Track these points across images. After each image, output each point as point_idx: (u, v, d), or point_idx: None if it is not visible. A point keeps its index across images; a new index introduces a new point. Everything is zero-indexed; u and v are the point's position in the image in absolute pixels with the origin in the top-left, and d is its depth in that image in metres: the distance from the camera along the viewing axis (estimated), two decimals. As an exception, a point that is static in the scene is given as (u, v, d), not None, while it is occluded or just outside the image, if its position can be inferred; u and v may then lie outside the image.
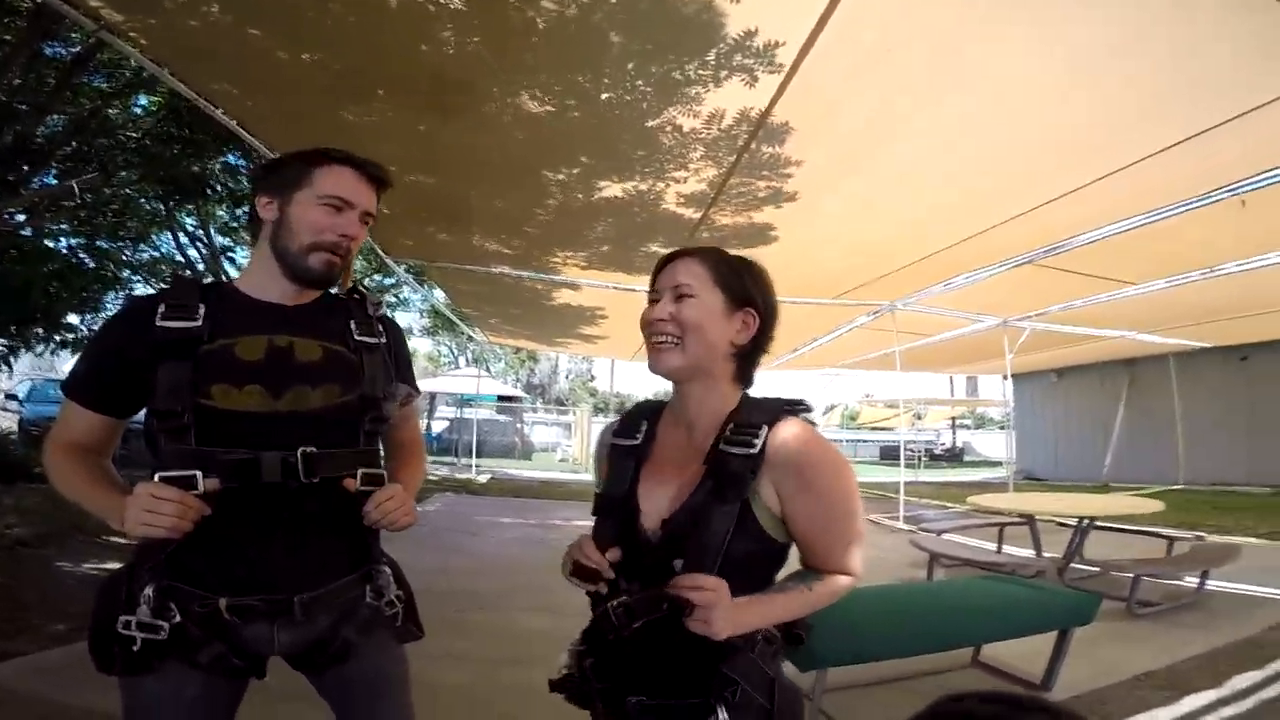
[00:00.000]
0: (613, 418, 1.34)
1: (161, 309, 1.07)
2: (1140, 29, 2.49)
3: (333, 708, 1.23)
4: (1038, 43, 2.61)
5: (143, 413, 1.12)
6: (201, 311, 1.08)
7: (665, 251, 1.05)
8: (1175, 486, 10.59)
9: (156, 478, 1.01)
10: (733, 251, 1.03)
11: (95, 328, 8.31)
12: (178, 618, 1.03)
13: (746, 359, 1.02)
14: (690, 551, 0.90)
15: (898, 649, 2.48)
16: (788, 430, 0.93)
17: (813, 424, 0.98)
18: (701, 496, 0.92)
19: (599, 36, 2.61)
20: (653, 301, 1.00)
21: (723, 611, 0.84)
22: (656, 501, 0.97)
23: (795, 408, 0.98)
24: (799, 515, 0.93)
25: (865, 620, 2.49)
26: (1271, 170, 3.45)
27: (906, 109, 3.13)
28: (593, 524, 1.03)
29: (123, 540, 4.46)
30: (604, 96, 3.00)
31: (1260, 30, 2.40)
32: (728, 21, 2.48)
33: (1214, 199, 3.75)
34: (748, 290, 1.00)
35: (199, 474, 1.01)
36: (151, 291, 1.25)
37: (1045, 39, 2.59)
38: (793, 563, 1.03)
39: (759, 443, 0.91)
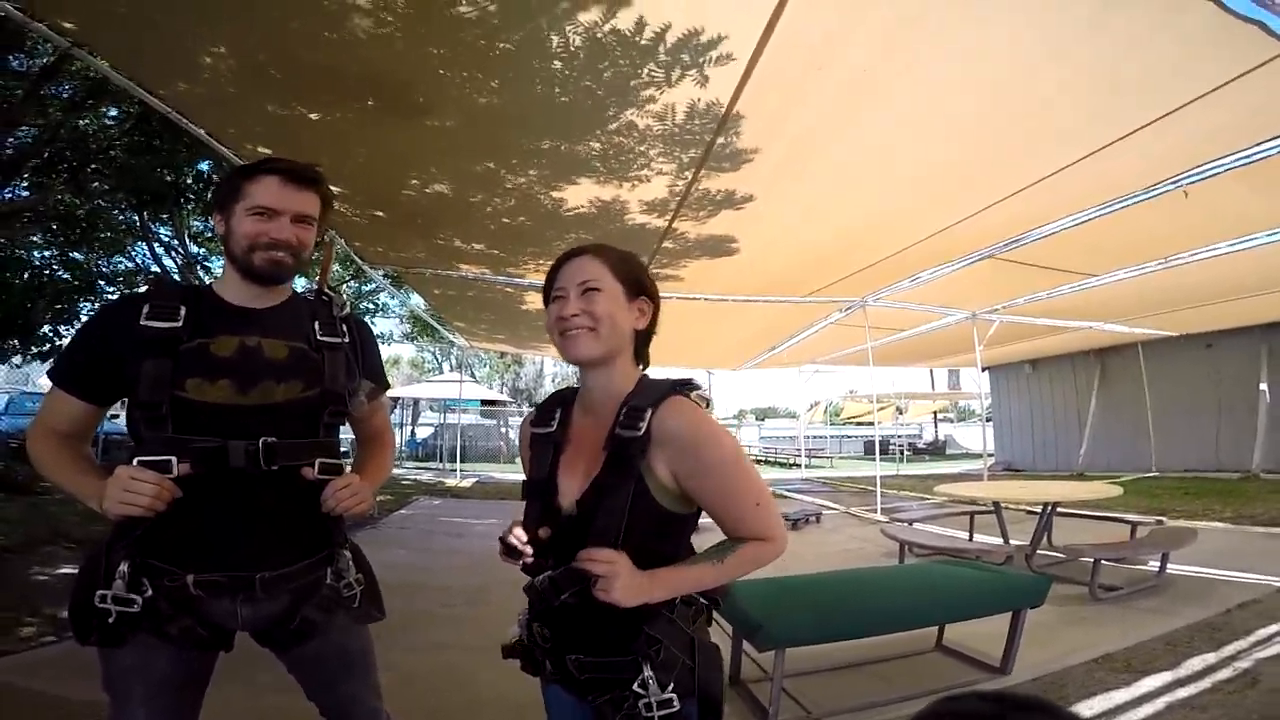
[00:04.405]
0: None
1: (146, 309, 1.15)
2: (1082, 26, 2.55)
3: (301, 684, 1.31)
4: (985, 41, 2.66)
5: (124, 423, 1.20)
6: (182, 313, 1.17)
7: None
8: (1149, 474, 10.76)
9: (135, 462, 1.09)
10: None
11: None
12: (149, 592, 1.11)
13: (644, 342, 1.11)
14: (595, 527, 0.97)
15: (856, 629, 2.53)
16: (670, 411, 0.99)
17: (702, 401, 1.04)
18: (604, 476, 0.99)
19: (547, 41, 2.64)
20: (558, 299, 1.05)
21: (624, 581, 0.92)
22: (571, 483, 1.04)
23: (683, 388, 1.04)
24: (700, 491, 1.00)
25: (824, 602, 2.55)
26: (1210, 162, 3.55)
27: (859, 107, 3.16)
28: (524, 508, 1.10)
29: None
30: (561, 99, 3.02)
31: (1194, 26, 2.47)
32: (676, 23, 2.52)
33: (1159, 191, 3.86)
34: (641, 281, 1.09)
35: (173, 459, 1.10)
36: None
37: (993, 37, 2.64)
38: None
39: (644, 425, 0.97)
